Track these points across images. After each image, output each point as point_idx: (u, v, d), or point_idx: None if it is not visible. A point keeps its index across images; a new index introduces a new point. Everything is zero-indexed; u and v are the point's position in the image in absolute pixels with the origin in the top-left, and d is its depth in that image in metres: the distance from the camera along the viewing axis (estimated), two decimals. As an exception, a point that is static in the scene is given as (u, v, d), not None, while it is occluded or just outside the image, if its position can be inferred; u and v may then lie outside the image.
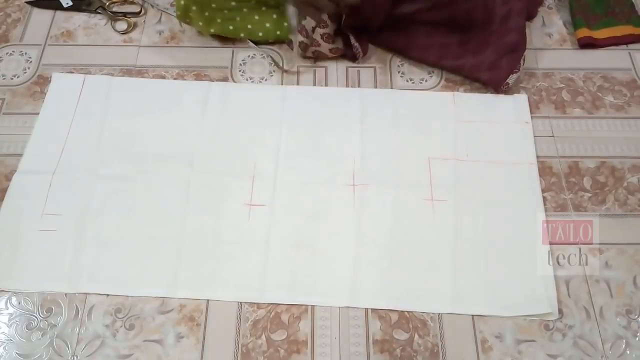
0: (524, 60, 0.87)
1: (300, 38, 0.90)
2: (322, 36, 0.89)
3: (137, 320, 0.71)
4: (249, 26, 0.93)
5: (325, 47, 0.90)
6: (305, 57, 0.93)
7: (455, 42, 0.90)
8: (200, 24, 0.91)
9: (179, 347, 0.69)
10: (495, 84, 0.89)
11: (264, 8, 0.92)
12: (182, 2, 0.89)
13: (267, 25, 0.93)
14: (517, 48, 0.87)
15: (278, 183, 0.80)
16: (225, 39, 0.96)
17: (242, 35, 0.93)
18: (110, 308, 0.72)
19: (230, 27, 0.92)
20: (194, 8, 0.89)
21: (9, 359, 0.68)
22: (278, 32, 0.93)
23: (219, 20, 0.92)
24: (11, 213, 0.78)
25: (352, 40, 0.87)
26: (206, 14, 0.91)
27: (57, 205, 0.78)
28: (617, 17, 0.98)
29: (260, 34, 0.93)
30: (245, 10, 0.92)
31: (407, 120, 0.86)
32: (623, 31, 0.97)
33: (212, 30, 0.93)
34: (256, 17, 0.92)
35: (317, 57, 0.93)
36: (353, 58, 0.92)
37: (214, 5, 0.90)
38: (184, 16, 0.92)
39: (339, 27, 0.87)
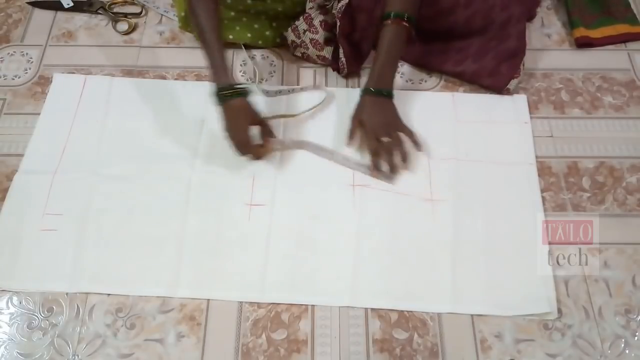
0: (523, 65, 0.88)
1: (293, 37, 0.91)
2: (311, 41, 0.89)
3: (137, 319, 0.71)
4: (249, 34, 0.93)
5: (312, 52, 0.91)
6: (294, 55, 0.94)
7: (455, 48, 0.90)
8: None
9: (179, 346, 0.69)
10: (496, 90, 0.89)
11: (263, 17, 0.93)
12: (182, 14, 0.89)
13: (267, 33, 0.93)
14: (517, 53, 0.87)
15: (278, 183, 0.81)
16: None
17: (242, 43, 0.94)
18: (111, 307, 0.72)
19: (230, 37, 0.93)
20: None
21: (10, 358, 0.68)
22: (278, 40, 0.94)
23: None
24: (12, 213, 0.78)
25: (341, 54, 0.88)
26: None
27: (58, 205, 0.79)
28: (613, 16, 0.98)
29: (260, 42, 0.94)
30: (244, 19, 0.92)
31: (406, 121, 0.86)
32: (619, 30, 0.97)
33: None
34: (255, 26, 0.93)
35: (306, 59, 0.94)
36: (337, 71, 0.92)
37: None
38: (185, 26, 0.93)
39: (334, 37, 0.88)
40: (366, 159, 0.82)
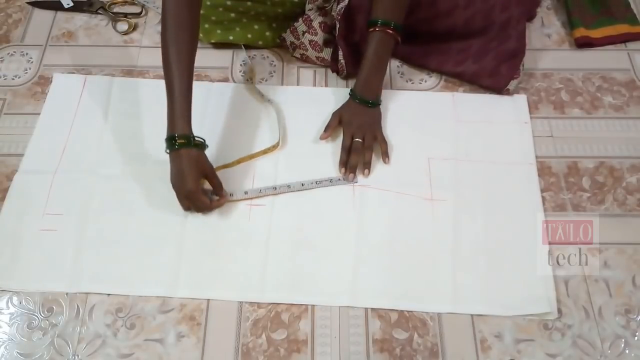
0: (523, 66, 0.88)
1: (292, 38, 0.91)
2: (310, 42, 0.90)
3: (137, 319, 0.71)
4: (249, 35, 0.93)
5: (312, 53, 0.91)
6: (293, 56, 0.94)
7: (455, 49, 0.90)
8: (201, 35, 0.92)
9: (179, 346, 0.69)
10: (496, 90, 0.90)
11: (263, 18, 0.93)
12: None
13: (267, 34, 0.94)
14: (517, 54, 0.87)
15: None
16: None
17: (242, 44, 0.94)
18: (111, 307, 0.72)
19: (231, 37, 0.93)
20: None
21: (10, 358, 0.68)
22: (278, 40, 0.94)
23: (218, 32, 0.92)
24: (12, 213, 0.78)
25: (340, 55, 0.88)
26: (206, 26, 0.91)
27: (58, 205, 0.79)
28: (613, 16, 0.98)
29: (260, 42, 0.94)
30: (244, 20, 0.92)
31: (406, 121, 0.87)
32: (619, 30, 0.97)
33: (212, 41, 0.93)
34: (255, 27, 0.93)
35: (305, 60, 0.94)
36: (337, 72, 0.92)
37: (213, 18, 0.91)
38: None
39: (334, 38, 0.88)
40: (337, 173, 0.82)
